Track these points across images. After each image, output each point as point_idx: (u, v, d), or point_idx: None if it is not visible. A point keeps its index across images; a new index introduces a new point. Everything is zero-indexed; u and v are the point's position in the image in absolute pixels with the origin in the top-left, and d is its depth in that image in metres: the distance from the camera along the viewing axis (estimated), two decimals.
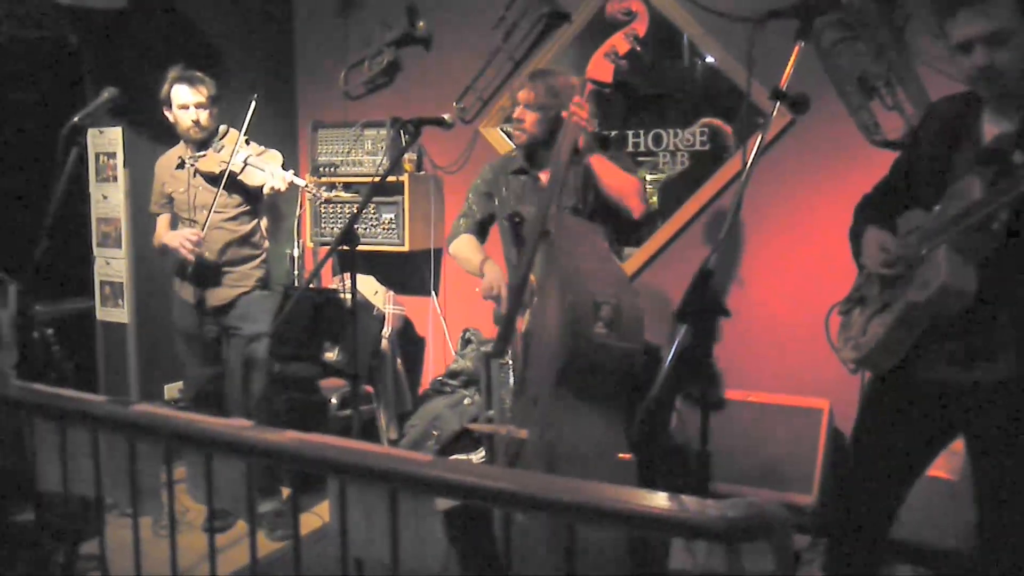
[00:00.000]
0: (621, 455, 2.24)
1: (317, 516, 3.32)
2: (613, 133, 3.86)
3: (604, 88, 2.59)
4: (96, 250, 4.04)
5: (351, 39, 4.43)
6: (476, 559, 2.52)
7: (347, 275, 2.49)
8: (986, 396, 1.90)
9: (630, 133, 3.85)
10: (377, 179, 2.99)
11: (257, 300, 3.46)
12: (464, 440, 3.80)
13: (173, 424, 1.46)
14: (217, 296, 3.43)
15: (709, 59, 3.70)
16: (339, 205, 4.20)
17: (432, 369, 4.38)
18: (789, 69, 1.97)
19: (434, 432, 3.88)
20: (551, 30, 3.94)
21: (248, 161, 3.28)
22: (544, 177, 2.75)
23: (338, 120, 4.36)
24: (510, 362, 2.83)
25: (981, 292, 1.80)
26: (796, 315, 3.39)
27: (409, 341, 4.39)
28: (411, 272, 4.36)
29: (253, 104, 3.21)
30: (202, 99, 3.30)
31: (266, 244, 3.55)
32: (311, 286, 3.62)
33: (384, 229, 4.22)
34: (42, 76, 4.12)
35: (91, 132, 3.93)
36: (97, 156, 3.99)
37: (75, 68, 3.91)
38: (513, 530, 1.63)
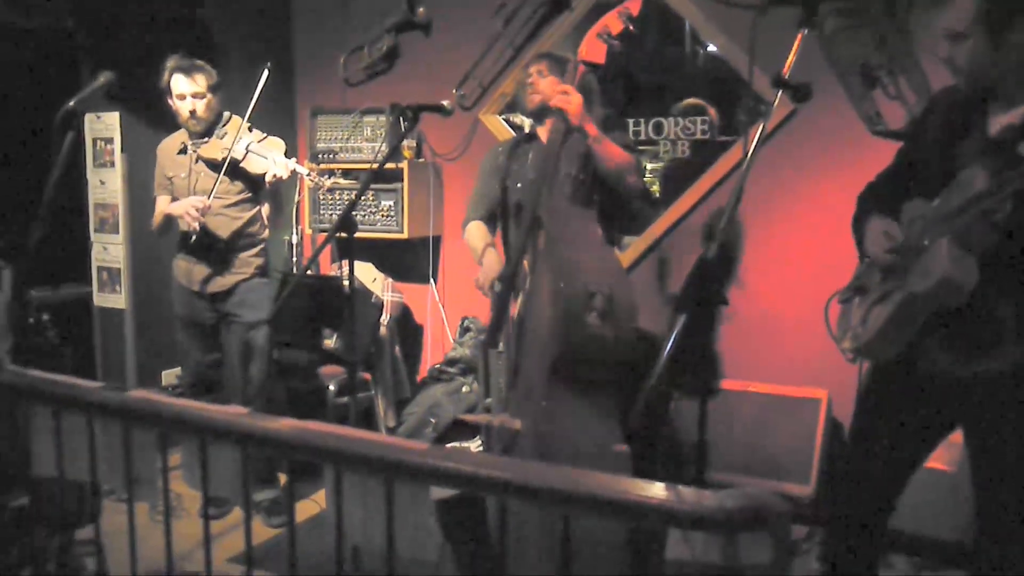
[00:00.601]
0: (616, 446, 2.23)
1: (315, 503, 3.32)
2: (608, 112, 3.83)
3: (597, 69, 2.57)
4: (93, 236, 4.03)
5: (350, 25, 4.40)
6: (469, 549, 2.52)
7: (345, 262, 2.48)
8: (985, 388, 1.89)
9: (631, 121, 3.82)
10: (375, 166, 2.98)
11: (256, 287, 3.45)
12: (462, 428, 3.80)
13: (168, 410, 1.45)
14: (216, 283, 3.42)
15: (711, 47, 3.68)
16: (338, 192, 4.18)
17: (430, 356, 4.37)
18: (791, 57, 1.96)
19: (432, 420, 3.88)
20: (551, 17, 3.92)
21: (250, 148, 3.26)
22: (543, 135, 2.75)
23: (337, 106, 4.34)
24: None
25: (982, 284, 1.79)
26: (795, 305, 3.38)
27: (408, 328, 4.38)
28: (410, 259, 4.35)
29: (266, 73, 3.17)
30: (199, 89, 3.28)
31: (266, 232, 3.54)
32: (309, 272, 3.61)
33: (383, 216, 4.20)
34: (38, 61, 4.09)
35: (88, 117, 3.91)
36: (94, 141, 3.97)
37: (72, 53, 3.89)
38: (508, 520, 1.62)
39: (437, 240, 4.33)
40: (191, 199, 3.29)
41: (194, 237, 3.29)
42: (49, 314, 3.23)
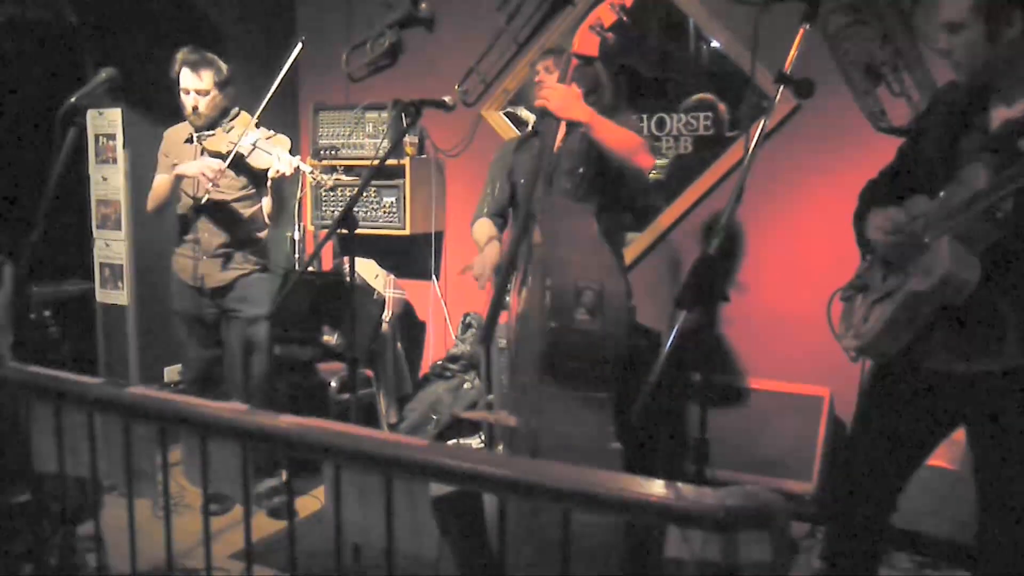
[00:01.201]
0: (607, 443, 2.22)
1: (316, 499, 3.32)
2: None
3: (590, 63, 2.54)
4: (96, 232, 4.03)
5: (353, 20, 4.40)
6: (466, 546, 2.52)
7: (346, 258, 2.48)
8: (987, 386, 1.89)
9: (633, 117, 3.81)
10: (377, 162, 2.97)
11: (256, 282, 3.45)
12: (463, 425, 3.80)
13: (168, 407, 1.45)
14: (216, 278, 3.42)
15: (715, 43, 3.67)
16: (340, 188, 4.18)
17: (432, 353, 4.37)
18: (793, 53, 1.95)
19: (434, 416, 3.89)
20: (555, 12, 3.91)
21: (256, 144, 3.26)
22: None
23: (340, 102, 4.34)
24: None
25: (983, 281, 1.79)
26: (798, 303, 3.37)
27: (409, 325, 4.38)
28: (412, 256, 4.35)
29: (300, 46, 3.12)
30: (202, 86, 3.28)
31: (267, 228, 3.54)
32: (310, 269, 3.61)
33: (385, 213, 4.20)
34: (41, 56, 4.09)
35: (91, 113, 3.91)
36: (97, 138, 3.98)
37: (75, 48, 3.88)
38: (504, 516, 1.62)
39: (439, 237, 4.32)
40: (206, 160, 3.26)
41: (205, 199, 3.26)
42: (51, 310, 3.24)
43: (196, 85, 3.28)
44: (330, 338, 4.09)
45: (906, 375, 2.01)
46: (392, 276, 4.30)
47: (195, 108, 3.29)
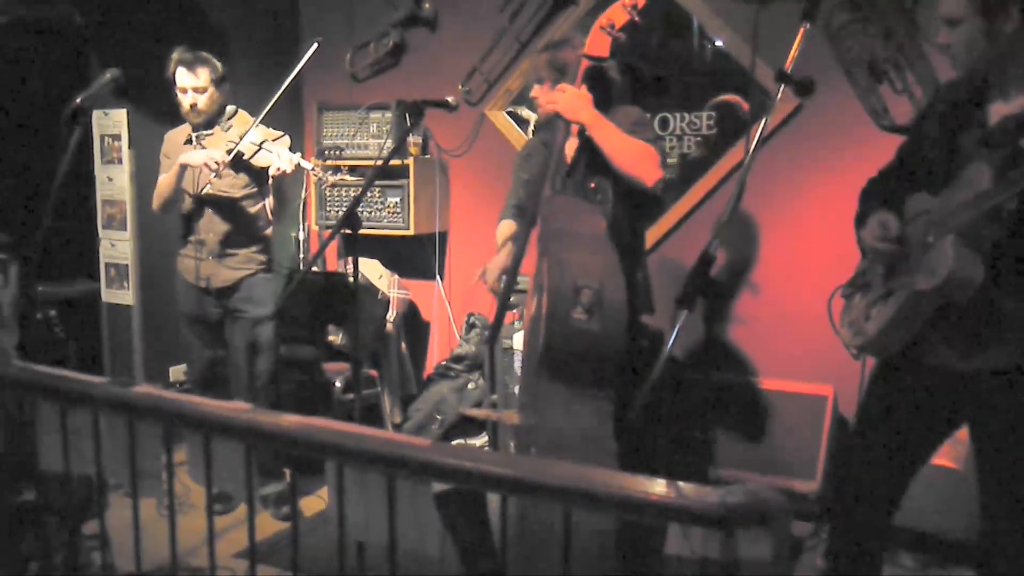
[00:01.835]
0: (604, 442, 2.22)
1: (321, 499, 3.33)
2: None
3: (602, 63, 2.52)
4: (101, 232, 4.04)
5: (357, 20, 4.40)
6: (468, 542, 2.52)
7: (351, 259, 2.48)
8: (990, 384, 1.88)
9: (647, 115, 3.79)
10: (381, 162, 2.98)
11: (260, 282, 3.46)
12: (468, 424, 3.80)
13: (172, 406, 1.46)
14: (220, 278, 3.43)
15: (718, 42, 3.66)
16: (345, 188, 4.19)
17: (437, 353, 4.38)
18: (794, 51, 1.95)
19: (438, 416, 3.89)
20: (558, 11, 3.91)
21: (255, 142, 3.27)
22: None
23: (344, 102, 4.34)
24: (514, 347, 2.82)
25: (985, 278, 1.79)
26: (800, 301, 3.37)
27: (414, 325, 4.39)
28: (416, 256, 4.35)
29: (315, 46, 3.11)
30: (199, 83, 3.29)
31: (270, 228, 3.55)
32: (314, 269, 3.62)
33: (389, 213, 4.21)
34: (47, 56, 4.11)
35: (96, 114, 3.92)
36: (102, 138, 3.99)
37: (81, 48, 3.90)
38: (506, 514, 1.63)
39: (443, 237, 4.33)
40: (211, 150, 3.26)
41: (205, 189, 3.26)
42: (56, 310, 3.25)
43: (193, 83, 3.29)
44: (335, 338, 4.10)
45: (908, 373, 2.00)
46: (396, 276, 4.30)
47: (193, 106, 3.30)
